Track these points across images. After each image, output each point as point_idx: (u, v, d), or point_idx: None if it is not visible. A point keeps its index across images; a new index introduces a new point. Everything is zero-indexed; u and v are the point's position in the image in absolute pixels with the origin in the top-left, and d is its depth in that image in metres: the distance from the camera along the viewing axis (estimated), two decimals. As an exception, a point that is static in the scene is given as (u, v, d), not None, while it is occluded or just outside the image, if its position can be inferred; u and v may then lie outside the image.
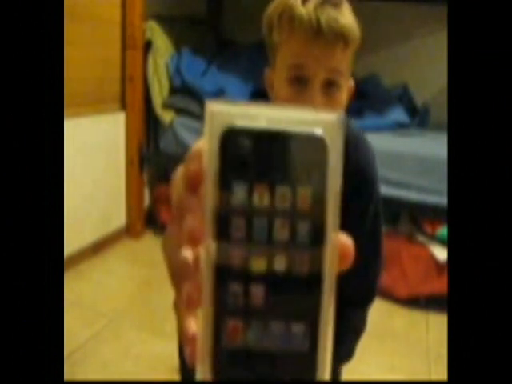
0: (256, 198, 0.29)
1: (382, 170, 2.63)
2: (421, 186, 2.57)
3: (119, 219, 3.19)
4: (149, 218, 3.32)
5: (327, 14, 0.76)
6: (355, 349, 1.13)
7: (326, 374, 0.31)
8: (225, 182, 0.29)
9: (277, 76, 0.83)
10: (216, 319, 0.30)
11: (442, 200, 2.43)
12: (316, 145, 0.30)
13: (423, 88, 3.40)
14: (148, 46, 3.08)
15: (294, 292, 0.30)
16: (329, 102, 0.81)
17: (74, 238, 2.73)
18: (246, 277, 0.30)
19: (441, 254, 2.55)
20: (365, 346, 2.19)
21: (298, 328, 0.30)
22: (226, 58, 3.31)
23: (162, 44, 3.14)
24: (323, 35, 0.76)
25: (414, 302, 2.59)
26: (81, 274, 2.71)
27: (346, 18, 0.79)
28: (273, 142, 0.30)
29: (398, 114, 3.08)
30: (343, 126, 0.31)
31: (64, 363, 0.70)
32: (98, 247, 2.96)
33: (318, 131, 0.30)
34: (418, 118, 3.19)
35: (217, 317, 0.30)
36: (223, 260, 0.30)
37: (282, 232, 0.30)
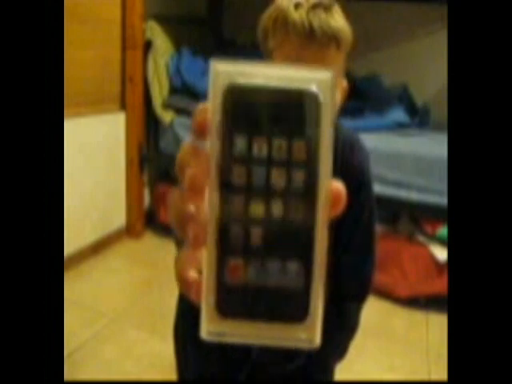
0: (255, 150, 0.32)
1: (382, 170, 2.64)
2: (421, 186, 2.57)
3: (119, 219, 3.19)
4: (149, 217, 3.32)
5: (319, 18, 0.79)
6: (348, 347, 1.14)
7: (317, 313, 0.35)
8: (227, 134, 0.32)
9: None
10: (219, 258, 0.33)
11: (442, 200, 2.43)
12: (310, 100, 0.32)
13: (423, 88, 3.40)
14: (148, 45, 3.08)
15: (290, 234, 0.33)
16: None
17: (74, 238, 2.73)
18: (246, 220, 0.33)
19: (441, 254, 2.55)
20: (365, 346, 2.20)
21: (292, 266, 0.34)
22: (226, 58, 3.31)
23: (162, 44, 3.14)
24: (316, 38, 0.79)
25: (414, 301, 2.59)
26: (81, 274, 2.71)
27: (337, 21, 0.82)
28: (270, 98, 0.32)
29: (398, 114, 3.07)
30: (335, 83, 0.33)
31: (64, 363, 0.70)
32: (98, 247, 2.96)
33: (312, 88, 0.32)
34: (418, 118, 3.19)
35: (219, 256, 0.33)
36: (225, 205, 0.33)
37: (278, 180, 0.33)
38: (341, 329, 1.11)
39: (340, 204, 0.34)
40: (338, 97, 0.87)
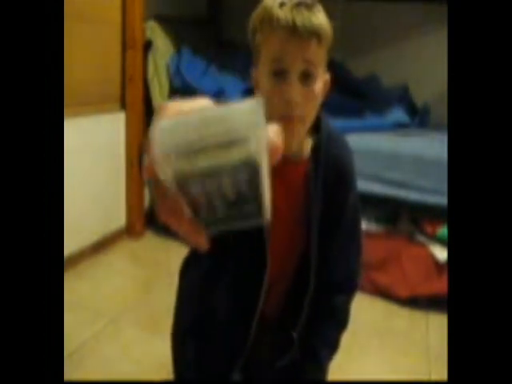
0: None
1: (381, 170, 2.63)
2: (421, 186, 2.57)
3: (119, 219, 3.19)
4: (149, 218, 3.32)
5: (301, 15, 0.88)
6: (339, 341, 1.16)
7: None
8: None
9: (260, 72, 0.94)
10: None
11: (442, 200, 2.43)
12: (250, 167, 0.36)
13: (423, 88, 3.40)
14: (148, 45, 3.08)
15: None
16: (305, 92, 0.91)
17: (74, 238, 2.73)
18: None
19: (441, 254, 2.55)
20: (365, 346, 2.20)
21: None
22: (225, 58, 3.31)
23: (162, 44, 3.14)
24: (298, 33, 0.87)
25: (414, 301, 2.59)
26: (81, 273, 2.71)
27: (319, 18, 0.90)
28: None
29: (398, 114, 3.07)
30: (261, 110, 0.37)
31: (64, 363, 0.70)
32: (99, 247, 2.96)
33: (250, 156, 0.36)
34: (418, 117, 3.19)
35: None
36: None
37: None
38: (330, 321, 1.14)
39: (276, 154, 0.40)
40: (321, 89, 0.94)
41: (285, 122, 0.87)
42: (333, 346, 1.16)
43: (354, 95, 3.17)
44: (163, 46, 3.15)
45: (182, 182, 0.36)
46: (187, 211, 0.39)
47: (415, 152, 2.63)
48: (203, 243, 0.42)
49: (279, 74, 0.90)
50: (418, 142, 2.82)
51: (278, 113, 0.90)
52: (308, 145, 1.02)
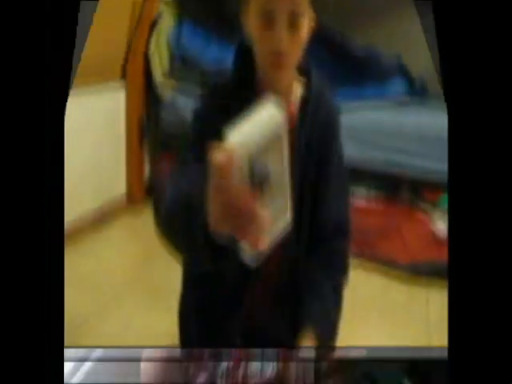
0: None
1: (384, 139, 2.61)
2: (422, 154, 2.56)
3: (120, 189, 3.22)
4: (149, 190, 3.32)
5: None
6: (342, 292, 1.13)
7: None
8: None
9: (250, 15, 0.96)
10: None
11: (443, 166, 2.41)
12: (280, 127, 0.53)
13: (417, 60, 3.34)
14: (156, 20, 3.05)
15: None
16: (293, 37, 0.93)
17: (73, 213, 2.74)
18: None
19: (441, 221, 2.56)
20: (366, 318, 2.22)
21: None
22: (226, 29, 3.27)
23: (165, 16, 3.11)
24: None
25: (415, 269, 2.60)
26: (81, 247, 2.72)
27: None
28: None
29: (398, 84, 3.06)
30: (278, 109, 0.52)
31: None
32: (99, 222, 2.99)
33: (279, 124, 0.53)
34: (417, 87, 3.17)
35: None
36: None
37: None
38: (325, 271, 1.10)
39: None
40: (306, 34, 0.96)
41: (273, 67, 0.93)
42: (332, 307, 1.10)
43: (353, 65, 3.14)
44: (165, 17, 3.12)
45: (253, 158, 0.50)
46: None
47: (415, 121, 2.63)
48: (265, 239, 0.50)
49: (268, 18, 0.92)
50: (418, 112, 2.80)
51: (267, 60, 0.94)
52: (297, 88, 1.04)
